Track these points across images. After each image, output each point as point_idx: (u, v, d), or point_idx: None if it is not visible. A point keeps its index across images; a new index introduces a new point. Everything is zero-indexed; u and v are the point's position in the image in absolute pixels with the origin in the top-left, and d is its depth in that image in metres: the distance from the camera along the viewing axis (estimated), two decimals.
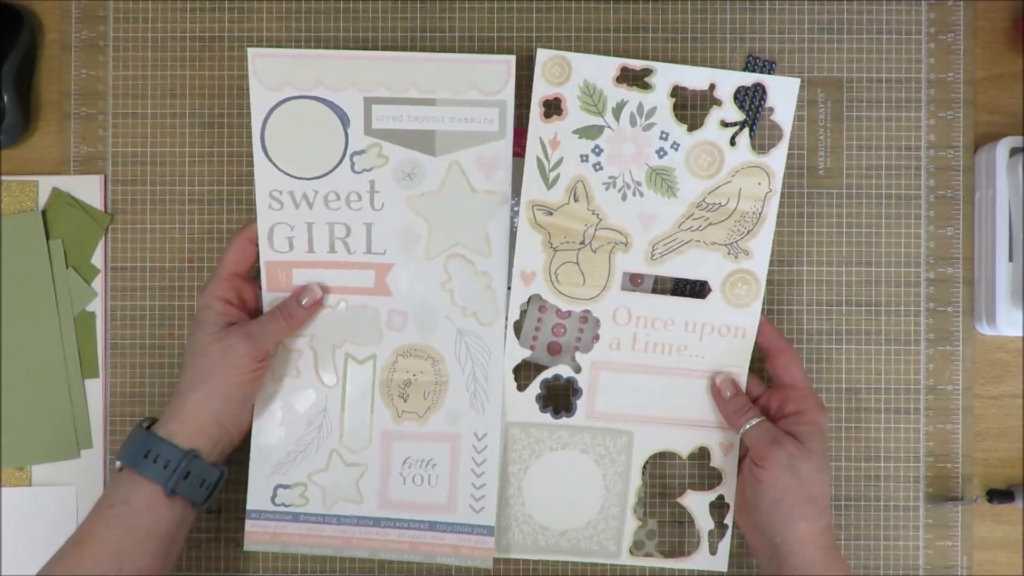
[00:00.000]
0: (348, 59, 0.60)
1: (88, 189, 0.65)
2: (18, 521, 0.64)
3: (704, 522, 0.62)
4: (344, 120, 0.61)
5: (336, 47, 0.65)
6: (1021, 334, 0.62)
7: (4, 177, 0.65)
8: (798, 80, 0.60)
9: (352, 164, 0.61)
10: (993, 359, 0.65)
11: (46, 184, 0.65)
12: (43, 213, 0.65)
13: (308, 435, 0.62)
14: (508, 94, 0.60)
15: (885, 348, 0.65)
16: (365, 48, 0.65)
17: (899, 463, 0.65)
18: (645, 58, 0.64)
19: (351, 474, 0.62)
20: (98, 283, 0.65)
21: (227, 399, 0.58)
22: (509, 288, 0.62)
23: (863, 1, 0.65)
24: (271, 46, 0.65)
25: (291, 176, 0.61)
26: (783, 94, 0.60)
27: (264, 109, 0.60)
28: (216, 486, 0.58)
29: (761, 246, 0.61)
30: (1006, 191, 0.62)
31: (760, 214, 0.61)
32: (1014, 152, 0.62)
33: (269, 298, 0.62)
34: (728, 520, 0.62)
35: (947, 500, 0.64)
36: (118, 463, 0.57)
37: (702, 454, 0.62)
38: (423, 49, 0.65)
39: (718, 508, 0.63)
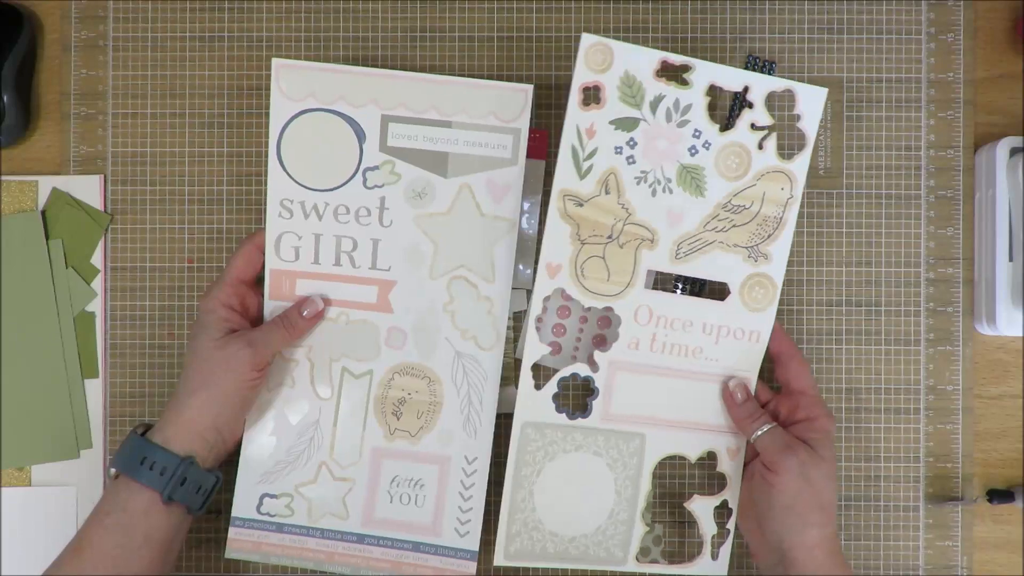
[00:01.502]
0: (371, 76, 0.60)
1: (88, 189, 0.65)
2: (18, 521, 0.64)
3: (708, 527, 0.62)
4: (360, 135, 0.61)
5: (336, 47, 0.65)
6: (1021, 334, 0.62)
7: (4, 177, 0.65)
8: (826, 90, 0.59)
9: (364, 179, 0.61)
10: (993, 359, 0.65)
11: (46, 184, 0.65)
12: (43, 213, 0.65)
13: (299, 446, 0.62)
14: (523, 122, 0.60)
15: (885, 348, 0.65)
16: (366, 49, 0.65)
17: (899, 463, 0.65)
18: None
19: (339, 488, 0.62)
20: (98, 283, 0.65)
21: (225, 404, 0.58)
22: (510, 317, 0.61)
23: (863, 1, 0.65)
24: (271, 46, 0.65)
25: (303, 186, 0.61)
26: (811, 103, 0.59)
27: (283, 119, 0.60)
28: (212, 491, 0.58)
29: (780, 251, 0.60)
30: (1006, 191, 0.62)
31: (781, 219, 0.60)
32: (1014, 152, 0.62)
33: (271, 306, 0.62)
34: (731, 525, 0.62)
35: (947, 500, 0.64)
36: (113, 470, 0.57)
37: (709, 458, 0.62)
38: (422, 49, 0.65)
39: (720, 512, 0.62)
